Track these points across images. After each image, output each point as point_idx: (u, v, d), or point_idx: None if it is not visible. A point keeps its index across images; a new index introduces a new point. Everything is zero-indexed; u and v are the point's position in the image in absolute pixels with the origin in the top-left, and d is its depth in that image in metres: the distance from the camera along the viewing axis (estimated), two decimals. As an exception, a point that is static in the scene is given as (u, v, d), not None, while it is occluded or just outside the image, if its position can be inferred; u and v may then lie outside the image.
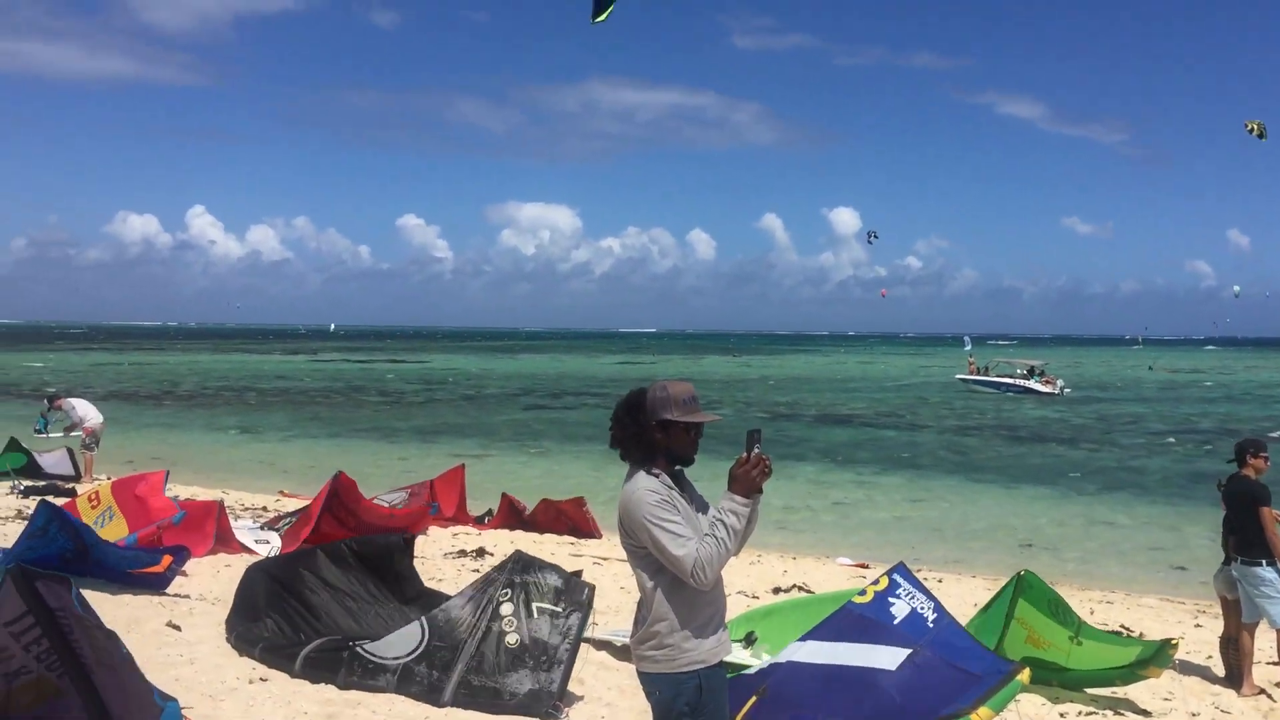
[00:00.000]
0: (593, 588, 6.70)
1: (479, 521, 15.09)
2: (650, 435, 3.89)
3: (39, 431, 18.01)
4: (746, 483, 3.80)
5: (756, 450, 3.81)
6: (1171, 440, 33.71)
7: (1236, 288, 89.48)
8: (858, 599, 5.99)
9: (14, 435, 18.05)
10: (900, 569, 6.12)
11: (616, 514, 3.92)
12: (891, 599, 5.89)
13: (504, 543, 13.47)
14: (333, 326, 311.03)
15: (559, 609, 6.38)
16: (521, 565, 6.62)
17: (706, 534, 3.80)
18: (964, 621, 6.87)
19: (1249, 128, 21.15)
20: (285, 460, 25.67)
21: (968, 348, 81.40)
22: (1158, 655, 7.06)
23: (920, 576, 6.95)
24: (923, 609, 5.87)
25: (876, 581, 6.07)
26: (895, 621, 5.79)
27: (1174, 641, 7.37)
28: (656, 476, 3.88)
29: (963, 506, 20.21)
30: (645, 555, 3.85)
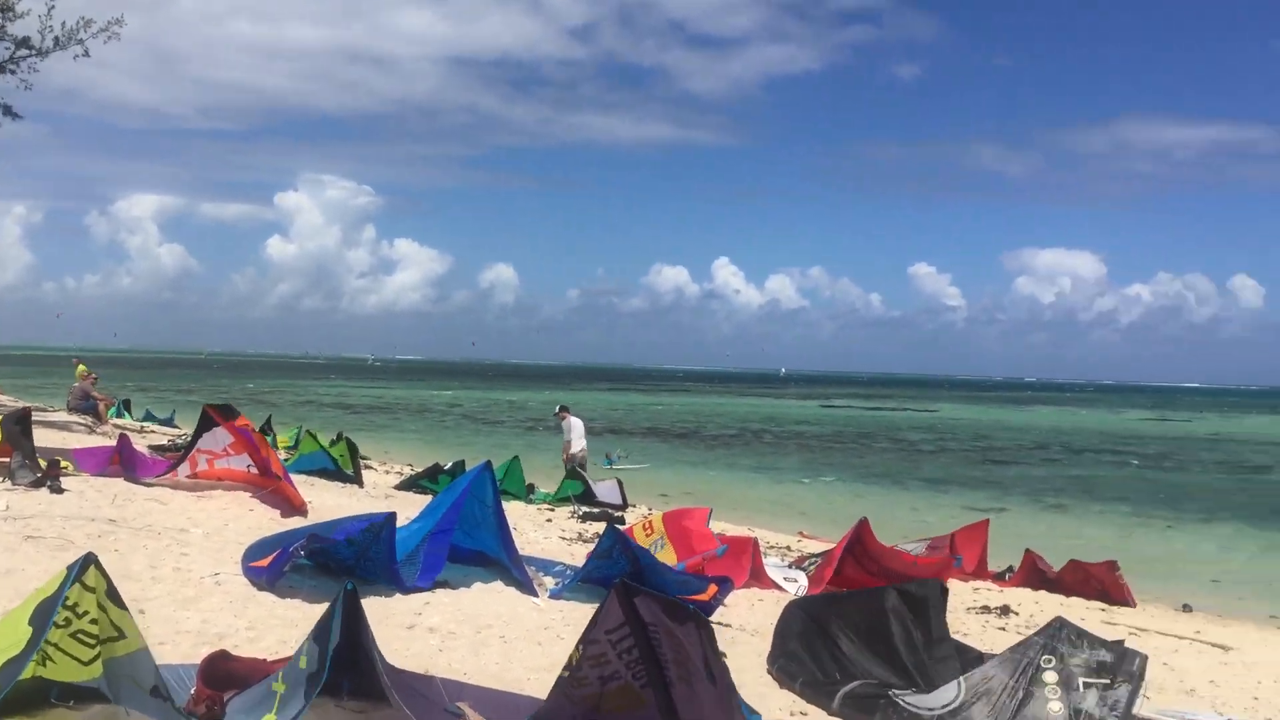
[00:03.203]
0: (1145, 657, 6.33)
1: (999, 578, 14.69)
2: None
3: (609, 465, 20.67)
4: None
5: None
6: None
7: None
8: None
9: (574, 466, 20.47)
10: None
11: None
12: None
13: (1028, 602, 13.01)
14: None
15: (1107, 680, 6.10)
16: (1065, 634, 6.41)
17: None
18: None
19: None
20: (801, 502, 26.61)
21: None
22: None
23: None
24: None
25: None
26: None
27: None
28: None
29: None
30: None
